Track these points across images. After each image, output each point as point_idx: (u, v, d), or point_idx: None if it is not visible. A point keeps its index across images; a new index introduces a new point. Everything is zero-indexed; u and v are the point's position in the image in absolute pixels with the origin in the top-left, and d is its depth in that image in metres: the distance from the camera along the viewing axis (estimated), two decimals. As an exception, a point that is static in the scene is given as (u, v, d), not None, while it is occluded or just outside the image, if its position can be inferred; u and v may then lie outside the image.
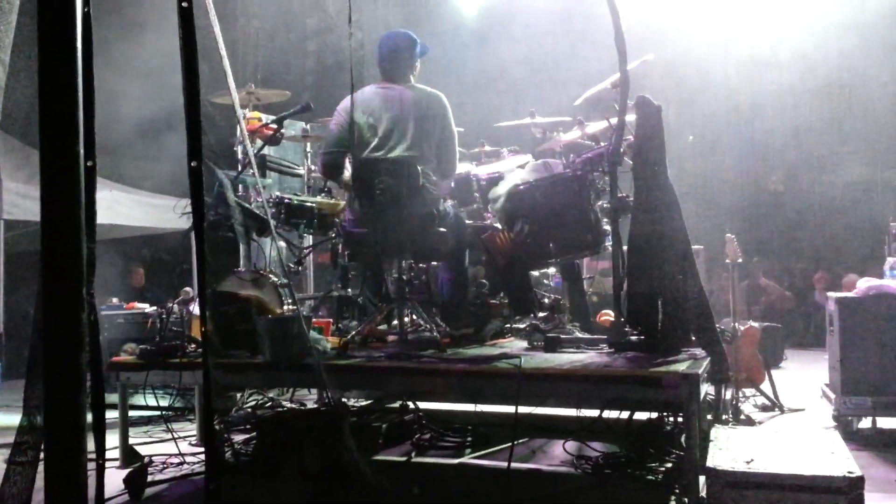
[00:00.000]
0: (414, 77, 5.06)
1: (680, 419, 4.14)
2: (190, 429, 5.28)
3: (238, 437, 4.87)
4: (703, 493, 3.34)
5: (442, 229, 4.78)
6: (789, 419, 5.47)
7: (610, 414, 4.60)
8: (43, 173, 2.16)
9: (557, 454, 4.49)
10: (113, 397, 4.46)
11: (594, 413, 4.65)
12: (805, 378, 6.96)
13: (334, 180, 5.29)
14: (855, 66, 10.99)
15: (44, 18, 2.13)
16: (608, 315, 5.02)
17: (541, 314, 4.93)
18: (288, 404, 5.60)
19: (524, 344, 4.67)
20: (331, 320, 5.35)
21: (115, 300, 7.58)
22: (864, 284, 5.11)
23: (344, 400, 5.30)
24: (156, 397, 5.34)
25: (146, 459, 4.29)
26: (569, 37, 10.92)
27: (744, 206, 11.94)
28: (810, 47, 10.53)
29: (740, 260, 5.80)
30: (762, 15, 10.79)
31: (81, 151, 2.17)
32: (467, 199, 5.62)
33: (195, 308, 4.82)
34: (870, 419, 5.00)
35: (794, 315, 10.50)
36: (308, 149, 6.19)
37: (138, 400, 5.41)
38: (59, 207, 2.14)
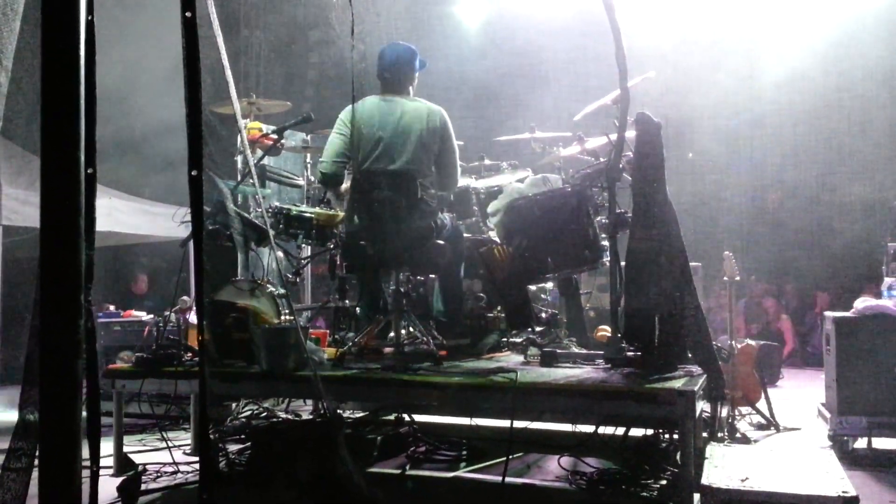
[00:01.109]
0: (413, 90, 5.08)
1: (675, 436, 4.13)
2: (184, 438, 5.26)
3: (233, 447, 4.86)
4: (698, 511, 3.33)
5: (440, 242, 4.79)
6: (785, 438, 5.46)
7: (605, 430, 4.59)
8: (43, 180, 2.16)
9: (552, 469, 4.48)
10: (108, 405, 4.47)
11: (590, 429, 4.64)
12: (801, 397, 6.95)
13: (332, 191, 5.29)
14: (854, 88, 11.03)
15: (47, 25, 2.14)
16: (605, 330, 5.03)
17: (538, 328, 4.94)
18: (283, 415, 5.59)
19: (520, 358, 4.66)
20: (328, 331, 5.35)
21: (111, 307, 7.57)
22: (862, 304, 5.12)
23: (339, 411, 5.29)
24: (151, 406, 5.32)
25: (140, 468, 4.28)
26: (570, 52, 10.95)
27: (742, 225, 11.95)
28: (810, 68, 10.57)
29: (738, 278, 5.80)
30: (763, 35, 10.83)
31: (82, 158, 2.18)
32: (466, 213, 5.63)
33: (192, 317, 4.81)
34: (865, 439, 4.99)
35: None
36: (308, 159, 6.20)
37: (133, 408, 5.40)
38: (59, 214, 2.14)
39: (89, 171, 2.26)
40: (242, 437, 5.05)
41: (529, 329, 4.94)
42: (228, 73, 3.38)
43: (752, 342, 6.07)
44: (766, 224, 12.05)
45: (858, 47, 10.34)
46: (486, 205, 5.32)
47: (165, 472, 4.43)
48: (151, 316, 7.02)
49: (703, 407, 4.11)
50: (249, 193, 5.34)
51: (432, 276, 5.27)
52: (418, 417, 5.22)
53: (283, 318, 4.61)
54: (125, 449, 4.48)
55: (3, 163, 7.91)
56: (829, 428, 5.08)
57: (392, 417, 5.28)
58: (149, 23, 7.97)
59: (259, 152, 5.53)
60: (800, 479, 3.35)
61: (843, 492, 3.15)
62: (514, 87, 11.56)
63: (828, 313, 5.39)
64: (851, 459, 4.81)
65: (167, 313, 5.15)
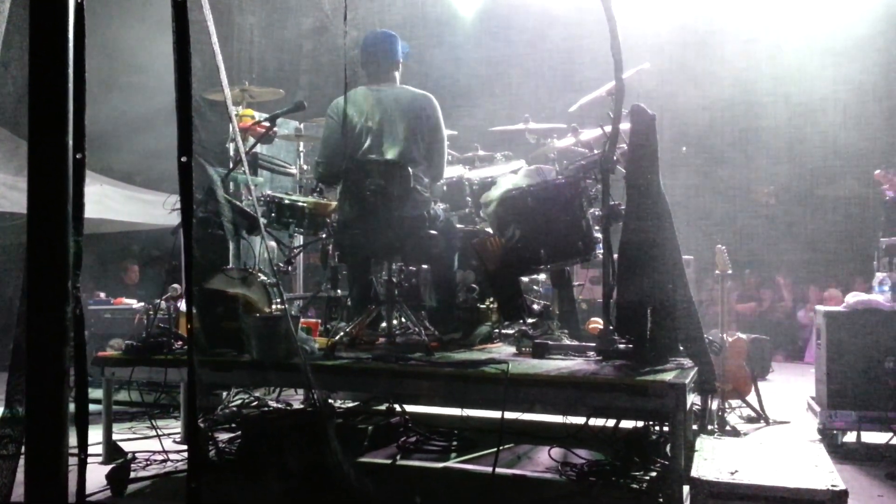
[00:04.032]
0: (398, 75, 5.06)
1: (666, 428, 4.13)
2: (174, 426, 5.25)
3: (223, 436, 4.84)
4: (687, 503, 3.33)
5: (432, 232, 4.78)
6: (774, 431, 5.48)
7: (596, 421, 4.59)
8: (31, 165, 2.15)
9: (542, 460, 4.48)
10: (97, 392, 4.45)
11: (580, 420, 4.65)
12: (791, 391, 6.98)
13: (332, 187, 5.27)
14: (851, 81, 11.03)
15: (36, 8, 2.12)
16: (597, 323, 5.02)
17: (530, 320, 4.92)
18: (274, 404, 5.58)
19: (512, 349, 4.66)
20: (319, 321, 5.33)
21: (102, 295, 7.54)
22: (853, 299, 5.13)
23: (330, 401, 5.28)
24: (141, 393, 5.31)
25: (129, 456, 4.26)
26: (565, 43, 10.92)
27: (735, 218, 11.97)
28: (806, 60, 10.57)
29: (730, 271, 5.81)
30: (759, 28, 10.83)
31: (70, 143, 2.16)
32: (459, 203, 5.61)
33: (182, 304, 4.79)
34: (855, 433, 5.01)
35: (782, 327, 10.58)
36: (301, 148, 6.17)
37: (123, 396, 5.38)
38: (47, 200, 2.13)
39: (78, 156, 2.25)
40: (232, 425, 5.04)
41: (521, 321, 4.92)
42: (219, 59, 3.35)
43: (743, 336, 6.09)
44: (759, 217, 12.08)
45: (855, 40, 10.33)
46: (480, 195, 5.30)
47: (155, 461, 4.41)
48: (142, 303, 6.99)
49: (693, 400, 4.11)
50: (241, 181, 5.31)
51: (425, 266, 5.26)
52: (409, 408, 5.21)
53: (274, 307, 4.59)
54: (114, 437, 4.47)
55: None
56: (819, 422, 5.10)
57: (383, 407, 5.27)
58: (140, 7, 7.92)
59: (251, 140, 5.49)
60: (789, 472, 3.35)
61: (832, 485, 3.15)
62: (508, 78, 11.54)
63: (819, 307, 5.41)
64: (841, 453, 4.83)
65: (157, 301, 5.12)
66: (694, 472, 3.28)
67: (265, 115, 5.59)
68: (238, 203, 4.93)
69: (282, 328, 4.07)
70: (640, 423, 4.50)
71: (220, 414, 5.29)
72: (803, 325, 10.34)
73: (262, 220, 4.63)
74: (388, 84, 4.96)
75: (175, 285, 5.13)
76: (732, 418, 5.56)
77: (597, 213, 4.78)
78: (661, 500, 3.72)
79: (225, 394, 5.61)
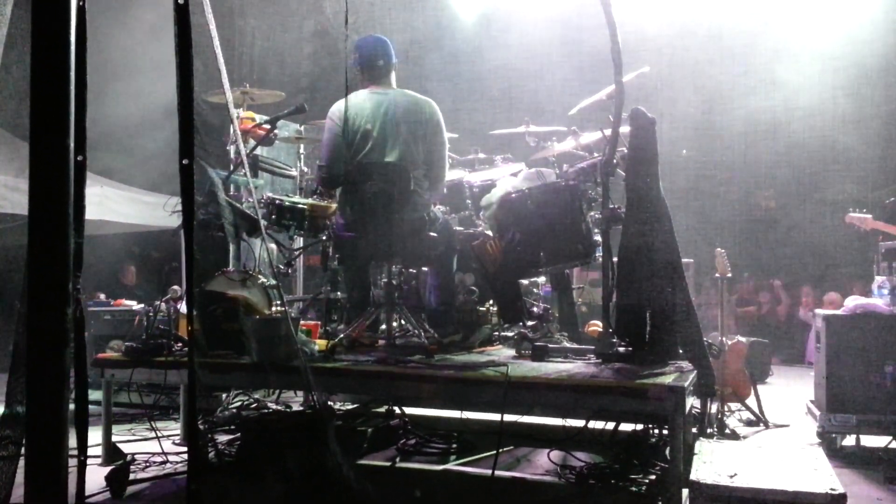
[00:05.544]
0: (394, 79, 5.07)
1: (665, 431, 4.14)
2: (174, 428, 5.25)
3: (222, 438, 4.84)
4: (686, 506, 3.34)
5: (432, 234, 4.78)
6: (774, 434, 5.48)
7: (595, 424, 4.59)
8: (32, 166, 2.15)
9: (542, 463, 4.48)
10: (97, 394, 4.45)
11: (580, 423, 4.64)
12: (791, 394, 6.98)
13: (335, 189, 5.28)
14: (849, 86, 11.03)
15: (38, 11, 2.13)
16: (596, 325, 5.02)
17: (529, 323, 4.93)
18: (273, 406, 5.57)
19: (512, 352, 4.66)
20: (319, 323, 5.33)
21: (102, 296, 7.54)
22: (852, 302, 5.14)
23: (330, 403, 5.28)
24: (140, 395, 5.31)
25: (129, 457, 4.26)
26: (565, 46, 10.92)
27: (734, 222, 11.97)
28: (805, 65, 10.58)
29: (729, 274, 5.81)
30: (758, 32, 10.83)
31: (72, 145, 2.17)
32: (459, 206, 5.62)
33: (183, 306, 4.80)
34: (854, 437, 5.01)
35: (781, 331, 10.60)
36: (301, 150, 6.17)
37: (123, 397, 5.38)
38: (48, 201, 2.13)
39: (79, 158, 2.25)
40: (232, 427, 5.03)
41: (521, 323, 4.93)
42: (221, 61, 3.35)
43: (743, 339, 6.10)
44: (758, 221, 12.09)
45: (854, 45, 10.34)
46: (480, 198, 5.31)
47: (154, 462, 4.42)
48: (142, 305, 6.99)
49: (693, 403, 4.11)
50: (241, 183, 5.31)
51: (424, 268, 5.26)
52: (409, 410, 5.21)
53: (274, 308, 4.59)
54: (114, 438, 4.47)
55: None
56: (818, 425, 5.10)
57: (382, 410, 5.27)
58: (142, 9, 7.92)
59: (252, 142, 5.50)
60: (788, 475, 3.36)
61: (831, 489, 3.17)
62: (508, 81, 11.53)
63: (818, 311, 5.41)
64: (840, 457, 4.83)
65: (157, 303, 5.12)
66: (693, 476, 3.29)
67: (266, 118, 5.61)
68: (238, 205, 4.94)
69: (282, 330, 4.07)
70: (640, 426, 4.51)
71: (220, 416, 5.28)
72: (804, 325, 10.35)
73: (263, 222, 4.63)
74: (389, 87, 4.98)
75: (175, 287, 5.14)
76: (732, 421, 5.56)
77: (596, 216, 4.79)
78: (660, 503, 3.72)
79: (224, 395, 5.61)
